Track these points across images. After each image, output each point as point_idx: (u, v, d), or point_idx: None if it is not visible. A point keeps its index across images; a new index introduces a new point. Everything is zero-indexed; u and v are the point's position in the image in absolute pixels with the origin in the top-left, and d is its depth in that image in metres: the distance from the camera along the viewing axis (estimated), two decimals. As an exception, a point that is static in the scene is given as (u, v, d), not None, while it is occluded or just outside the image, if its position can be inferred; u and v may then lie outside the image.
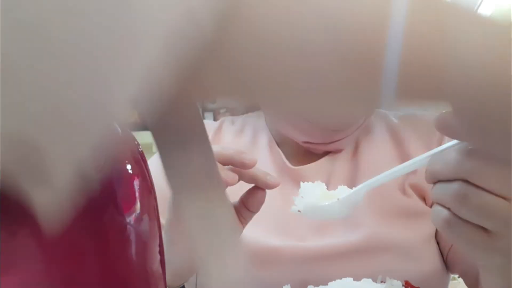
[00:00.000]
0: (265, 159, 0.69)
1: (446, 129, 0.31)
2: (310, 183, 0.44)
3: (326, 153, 0.68)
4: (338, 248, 0.59)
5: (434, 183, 0.33)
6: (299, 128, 0.66)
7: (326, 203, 0.42)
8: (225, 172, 0.45)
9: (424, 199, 0.64)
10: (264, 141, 0.71)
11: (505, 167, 0.29)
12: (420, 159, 0.36)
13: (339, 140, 0.66)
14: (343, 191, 0.43)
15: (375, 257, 0.58)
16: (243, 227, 0.51)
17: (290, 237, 0.61)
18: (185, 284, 0.67)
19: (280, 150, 0.69)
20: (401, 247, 0.59)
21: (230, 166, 0.47)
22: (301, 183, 0.45)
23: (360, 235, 0.59)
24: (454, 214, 0.31)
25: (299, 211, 0.43)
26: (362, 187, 0.42)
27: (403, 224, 0.60)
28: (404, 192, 0.63)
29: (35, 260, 0.21)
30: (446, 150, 0.33)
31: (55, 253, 0.22)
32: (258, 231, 0.60)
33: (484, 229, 0.31)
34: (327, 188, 0.45)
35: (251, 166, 0.46)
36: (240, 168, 0.46)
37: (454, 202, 0.31)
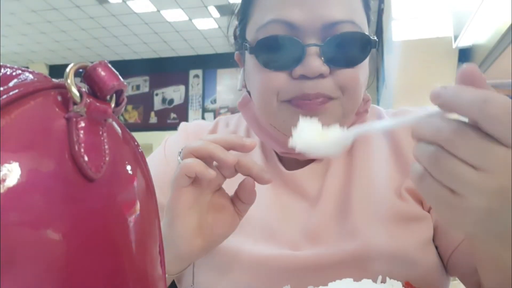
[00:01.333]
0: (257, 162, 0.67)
1: (437, 99, 0.34)
2: (307, 120, 0.44)
3: None
4: (332, 257, 0.58)
5: (417, 141, 0.36)
6: (276, 140, 0.64)
7: (321, 141, 0.44)
8: (225, 153, 0.47)
9: (421, 203, 0.62)
10: (256, 143, 0.69)
11: (480, 140, 0.32)
12: (411, 118, 0.38)
13: None
14: (335, 131, 0.44)
15: (371, 265, 0.56)
16: (240, 219, 0.53)
17: (284, 245, 0.60)
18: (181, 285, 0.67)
19: (274, 153, 0.67)
20: (397, 254, 0.57)
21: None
22: (300, 118, 0.45)
23: (354, 244, 0.58)
24: (428, 172, 0.35)
25: (295, 147, 0.43)
26: (353, 132, 0.43)
27: (400, 229, 0.59)
28: (400, 196, 0.61)
29: (35, 260, 0.21)
30: (434, 113, 0.35)
31: (55, 254, 0.22)
32: (251, 238, 0.60)
33: (452, 190, 0.34)
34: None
35: (251, 148, 0.48)
36: (241, 151, 0.48)
37: (428, 163, 0.35)
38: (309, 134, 0.44)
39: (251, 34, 0.61)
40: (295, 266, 0.58)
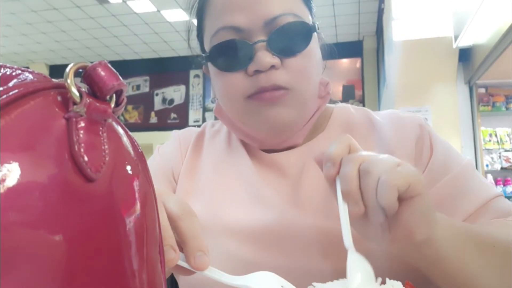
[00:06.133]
0: (241, 154, 0.72)
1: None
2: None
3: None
4: (321, 231, 0.59)
5: None
6: (251, 137, 0.69)
7: None
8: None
9: None
10: (236, 137, 0.75)
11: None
12: None
13: (290, 137, 0.68)
14: None
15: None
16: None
17: (271, 212, 0.63)
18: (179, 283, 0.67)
19: (254, 143, 0.71)
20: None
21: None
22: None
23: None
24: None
25: None
26: None
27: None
28: None
29: (35, 261, 0.21)
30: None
31: (55, 254, 0.22)
32: (240, 207, 0.64)
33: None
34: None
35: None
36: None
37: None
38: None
39: (207, 45, 0.66)
40: (281, 234, 0.61)
